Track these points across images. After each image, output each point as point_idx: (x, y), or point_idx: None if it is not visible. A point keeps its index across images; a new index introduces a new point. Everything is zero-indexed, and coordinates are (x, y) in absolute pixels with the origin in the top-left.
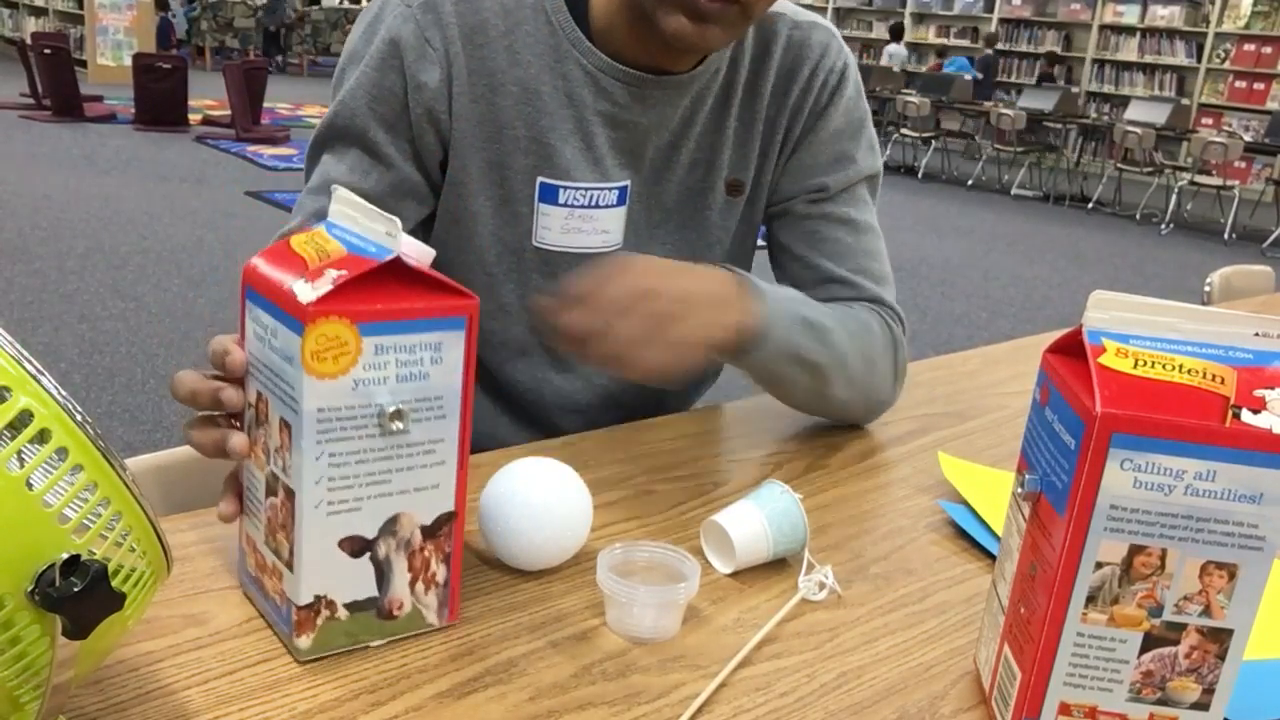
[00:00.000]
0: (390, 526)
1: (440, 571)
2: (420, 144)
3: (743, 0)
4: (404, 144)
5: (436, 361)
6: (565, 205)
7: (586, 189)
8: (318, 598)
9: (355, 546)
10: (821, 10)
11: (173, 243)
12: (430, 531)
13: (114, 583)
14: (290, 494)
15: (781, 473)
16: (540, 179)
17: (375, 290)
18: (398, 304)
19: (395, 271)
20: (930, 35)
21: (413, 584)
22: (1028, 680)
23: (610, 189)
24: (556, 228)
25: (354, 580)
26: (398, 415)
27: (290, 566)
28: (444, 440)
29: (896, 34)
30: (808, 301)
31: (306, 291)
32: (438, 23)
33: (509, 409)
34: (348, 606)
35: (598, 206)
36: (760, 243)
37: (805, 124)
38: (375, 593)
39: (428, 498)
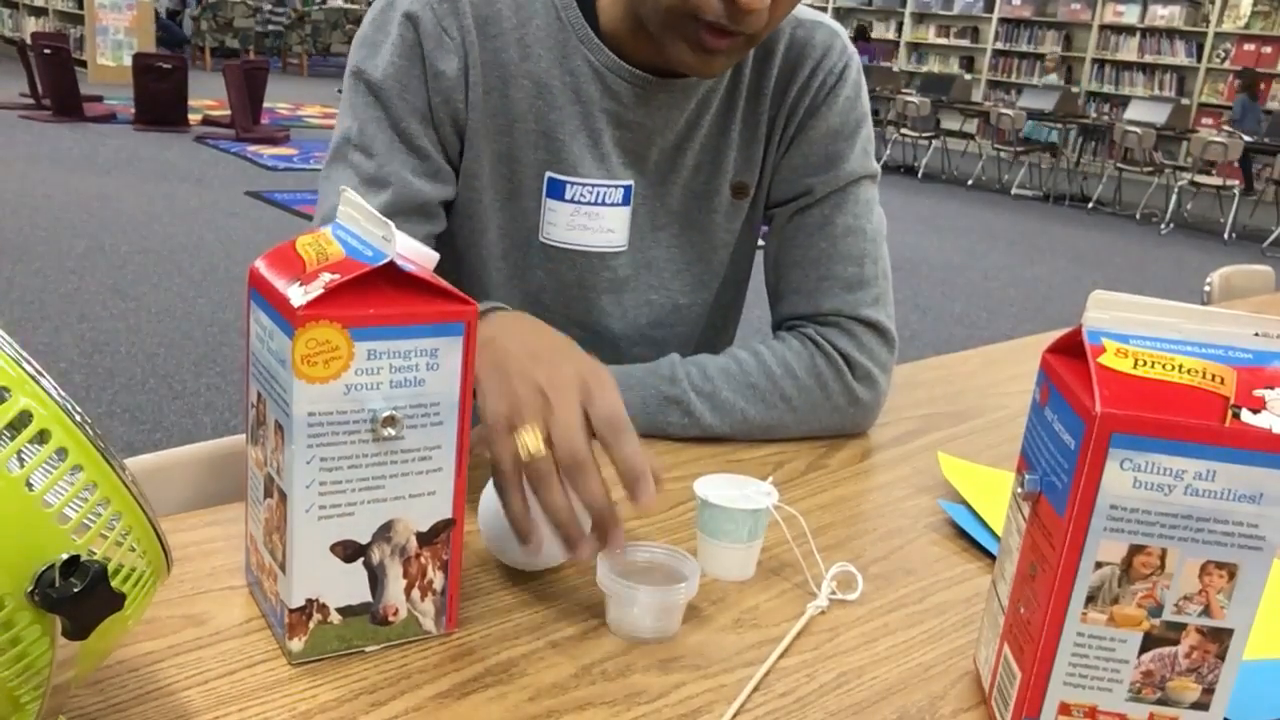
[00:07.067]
0: (384, 532)
1: (438, 579)
2: (441, 133)
3: (750, 34)
4: (433, 133)
5: (433, 368)
6: (572, 201)
7: (593, 186)
8: (309, 601)
9: (348, 551)
10: (821, 10)
11: (173, 243)
12: (427, 538)
13: (114, 583)
14: (284, 496)
15: (782, 472)
16: (548, 174)
17: (370, 295)
18: (392, 309)
19: (393, 276)
20: (930, 35)
21: (408, 591)
22: (1028, 680)
23: (616, 187)
24: (562, 224)
25: (347, 585)
26: (390, 421)
27: (284, 568)
28: (440, 447)
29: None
30: (677, 380)
31: (298, 295)
32: (454, 12)
33: None
34: (340, 611)
35: (604, 204)
36: (759, 243)
37: (800, 122)
38: (369, 598)
39: (424, 504)
